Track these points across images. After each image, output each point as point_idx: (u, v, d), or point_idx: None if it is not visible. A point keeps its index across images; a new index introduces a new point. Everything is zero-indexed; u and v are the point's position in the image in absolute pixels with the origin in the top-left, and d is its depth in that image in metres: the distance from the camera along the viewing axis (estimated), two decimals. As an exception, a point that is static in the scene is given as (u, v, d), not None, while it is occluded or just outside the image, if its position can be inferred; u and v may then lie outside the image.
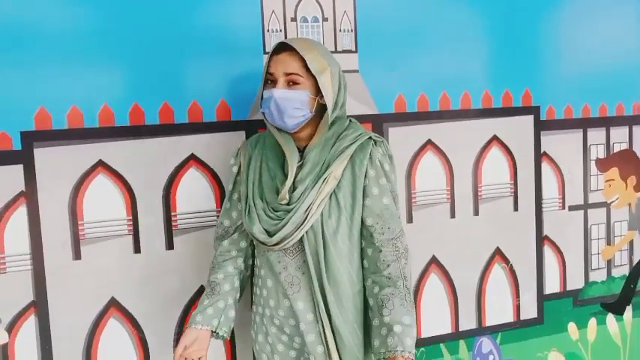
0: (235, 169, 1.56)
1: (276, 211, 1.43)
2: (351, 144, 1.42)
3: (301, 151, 1.46)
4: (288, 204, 1.42)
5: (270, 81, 1.42)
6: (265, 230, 1.43)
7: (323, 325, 1.42)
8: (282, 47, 1.40)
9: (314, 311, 1.44)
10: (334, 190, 1.43)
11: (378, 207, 1.43)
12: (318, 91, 1.40)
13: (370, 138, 1.45)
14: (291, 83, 1.39)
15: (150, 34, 1.62)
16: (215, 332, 1.50)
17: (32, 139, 1.55)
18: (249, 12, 1.71)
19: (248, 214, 1.47)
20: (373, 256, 1.44)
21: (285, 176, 1.44)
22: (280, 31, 1.74)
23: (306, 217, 1.40)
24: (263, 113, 1.44)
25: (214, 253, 1.58)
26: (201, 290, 1.66)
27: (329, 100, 1.40)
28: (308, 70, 1.38)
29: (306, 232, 1.42)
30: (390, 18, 1.86)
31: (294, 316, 1.46)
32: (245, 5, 1.71)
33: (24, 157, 1.55)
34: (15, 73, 1.52)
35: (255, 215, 1.45)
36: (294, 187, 1.42)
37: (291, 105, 1.38)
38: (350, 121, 1.50)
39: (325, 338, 1.43)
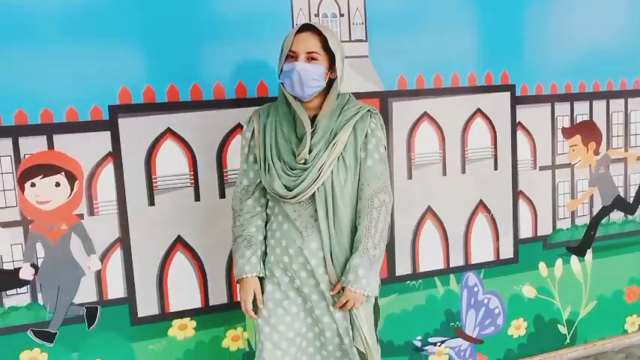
0: (249, 134, 1.76)
1: (293, 170, 1.67)
2: (354, 115, 1.69)
3: (311, 120, 1.69)
4: (304, 163, 1.67)
5: (290, 56, 1.65)
6: (284, 186, 1.67)
7: (332, 253, 1.70)
8: (305, 28, 1.66)
9: (327, 248, 1.70)
10: (341, 153, 1.68)
11: (365, 167, 1.70)
12: (330, 67, 1.67)
13: (369, 111, 1.72)
14: (311, 59, 1.64)
15: (204, 30, 2.05)
16: (259, 276, 1.76)
17: (117, 111, 1.99)
18: (281, 9, 2.14)
19: (268, 172, 1.69)
20: (359, 206, 1.72)
21: (299, 140, 1.67)
22: (306, 24, 2.16)
23: (319, 175, 1.65)
24: (282, 84, 1.67)
25: (238, 210, 1.79)
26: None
27: (340, 73, 1.68)
28: (324, 49, 1.65)
29: (318, 187, 1.67)
30: (394, 12, 2.28)
31: (302, 255, 1.70)
32: (278, 4, 2.13)
33: (111, 125, 1.98)
34: (103, 58, 1.95)
35: (275, 173, 1.67)
36: (310, 150, 1.66)
37: (310, 76, 1.62)
38: (349, 96, 1.76)
39: (325, 262, 1.70)
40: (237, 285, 1.81)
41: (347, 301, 1.70)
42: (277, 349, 1.75)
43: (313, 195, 1.68)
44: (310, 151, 1.66)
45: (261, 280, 1.78)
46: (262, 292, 1.77)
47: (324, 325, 1.76)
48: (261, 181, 1.75)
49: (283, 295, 1.76)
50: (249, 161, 1.78)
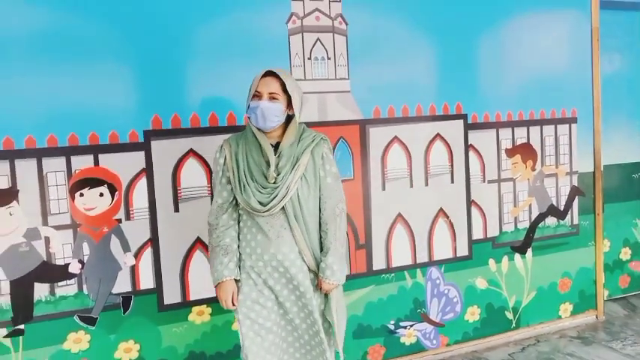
0: (222, 160, 2.03)
1: (265, 188, 1.96)
2: (311, 142, 2.01)
3: (273, 146, 1.99)
4: (274, 183, 1.96)
5: (255, 96, 1.94)
6: (259, 202, 1.95)
7: (302, 253, 2.01)
8: (268, 73, 1.96)
9: (294, 251, 2.00)
10: (303, 174, 1.99)
11: (325, 184, 2.03)
12: (288, 105, 1.97)
13: (322, 138, 2.04)
14: (272, 98, 1.94)
15: (221, 69, 2.53)
16: (236, 278, 2.04)
17: (150, 135, 2.44)
18: (281, 53, 2.64)
19: (244, 191, 1.96)
20: (322, 215, 2.05)
21: (268, 164, 1.96)
22: (301, 66, 2.67)
23: (287, 192, 1.96)
24: (249, 117, 1.97)
25: (214, 224, 2.04)
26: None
27: (297, 111, 1.99)
28: (284, 91, 1.95)
29: (287, 202, 1.97)
30: (370, 56, 2.80)
31: (276, 259, 1.99)
32: (277, 51, 2.62)
33: (145, 146, 2.44)
34: (139, 91, 2.41)
35: (250, 192, 1.96)
36: (277, 172, 1.96)
37: (271, 113, 1.93)
38: (304, 126, 2.07)
39: (303, 261, 2.02)
40: (215, 288, 2.06)
41: (326, 290, 2.06)
42: (257, 337, 2.04)
43: (282, 208, 1.98)
44: (278, 174, 1.97)
45: (236, 281, 2.06)
46: (238, 292, 2.05)
47: (293, 314, 2.06)
48: (233, 199, 2.03)
49: (259, 294, 2.04)
50: (222, 183, 2.04)
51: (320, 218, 2.06)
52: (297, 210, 2.00)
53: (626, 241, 3.83)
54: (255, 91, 1.96)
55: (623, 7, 3.58)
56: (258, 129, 1.98)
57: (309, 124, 2.57)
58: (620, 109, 3.68)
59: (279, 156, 1.99)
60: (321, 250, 2.07)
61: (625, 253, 3.83)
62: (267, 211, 1.97)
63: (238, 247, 2.08)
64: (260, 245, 2.03)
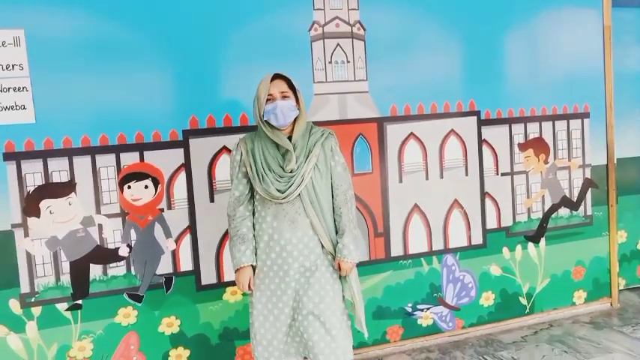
0: (238, 157, 2.23)
1: (282, 177, 2.15)
2: (321, 136, 2.22)
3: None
4: (291, 172, 2.15)
5: (269, 99, 2.14)
6: (277, 190, 2.14)
7: (319, 235, 2.18)
8: (276, 77, 2.17)
9: (308, 234, 2.17)
10: (316, 164, 2.18)
11: (336, 173, 2.23)
12: (296, 101, 2.17)
13: (329, 133, 2.24)
14: (285, 97, 2.15)
15: (252, 75, 2.80)
16: (252, 265, 2.22)
17: (188, 134, 2.74)
18: (304, 58, 2.90)
19: (263, 181, 2.15)
20: (335, 200, 2.23)
21: (283, 157, 2.17)
22: (323, 69, 2.93)
23: (302, 180, 2.15)
24: (266, 121, 2.15)
25: (232, 215, 2.24)
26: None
27: (303, 106, 2.19)
28: (290, 89, 2.16)
29: (303, 189, 2.15)
30: (388, 58, 3.03)
31: (291, 242, 2.16)
32: (301, 55, 2.89)
33: (184, 144, 2.74)
34: (180, 95, 2.72)
35: (269, 181, 2.14)
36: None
37: (288, 109, 2.14)
38: (310, 123, 2.29)
39: (318, 242, 2.19)
40: (235, 273, 2.26)
41: (344, 269, 2.22)
42: (266, 322, 2.22)
43: (298, 195, 2.16)
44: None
45: (253, 267, 2.24)
46: (255, 278, 2.24)
47: (302, 297, 2.18)
48: (249, 192, 2.24)
49: (270, 280, 2.21)
50: (238, 177, 2.24)
51: (333, 204, 2.25)
52: (313, 196, 2.18)
53: (643, 232, 3.94)
54: (268, 94, 2.14)
55: (635, 5, 3.69)
56: (272, 127, 2.17)
57: (331, 123, 2.87)
58: (633, 105, 3.79)
59: (294, 149, 2.18)
60: (336, 232, 2.25)
61: (642, 244, 3.94)
62: (285, 197, 2.14)
63: (254, 236, 2.26)
64: (277, 231, 2.18)
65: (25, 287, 2.56)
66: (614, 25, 3.51)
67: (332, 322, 2.18)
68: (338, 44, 2.95)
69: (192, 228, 2.78)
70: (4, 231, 2.53)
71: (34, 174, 2.55)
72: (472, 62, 3.22)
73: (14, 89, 2.50)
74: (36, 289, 2.57)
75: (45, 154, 2.55)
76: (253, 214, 2.27)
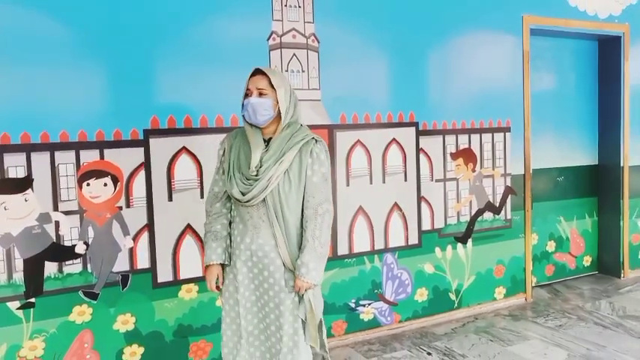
0: (221, 152, 2.18)
1: (248, 179, 2.05)
2: (300, 140, 2.07)
3: (267, 142, 2.08)
4: (256, 175, 2.03)
5: (247, 94, 2.07)
6: (240, 192, 2.05)
7: (278, 246, 2.07)
8: (257, 72, 2.08)
9: (270, 244, 2.07)
10: (287, 170, 2.04)
11: (310, 183, 2.07)
12: (277, 101, 2.05)
13: (313, 138, 2.09)
14: (261, 94, 2.04)
15: (213, 78, 2.91)
16: (222, 263, 2.17)
17: (149, 133, 2.79)
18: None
19: (229, 181, 2.08)
20: (304, 212, 2.09)
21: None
22: (279, 77, 3.08)
23: (267, 184, 2.02)
24: (243, 115, 2.08)
25: (209, 211, 2.20)
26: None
27: (282, 106, 2.05)
28: (272, 87, 2.04)
29: (268, 195, 2.03)
30: (338, 70, 3.25)
31: (250, 248, 2.09)
32: (259, 63, 3.03)
33: (144, 143, 2.79)
34: (140, 95, 2.76)
35: (234, 182, 2.06)
36: (260, 165, 2.03)
37: (261, 107, 2.03)
38: (301, 125, 2.14)
39: (277, 254, 2.08)
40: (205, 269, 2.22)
41: (300, 288, 2.08)
42: (233, 324, 2.20)
43: (263, 200, 2.06)
44: (261, 166, 2.05)
45: (224, 266, 2.21)
46: (224, 277, 2.20)
47: (261, 305, 2.15)
48: None
49: (239, 283, 2.15)
50: (219, 173, 2.19)
51: (302, 216, 2.11)
52: (277, 204, 2.06)
53: (551, 235, 4.45)
54: (246, 89, 2.08)
55: (552, 35, 4.18)
56: (251, 125, 2.10)
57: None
58: (547, 122, 4.29)
59: (266, 150, 2.07)
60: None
61: (550, 246, 4.45)
62: (247, 201, 2.05)
63: (229, 234, 2.21)
64: (240, 234, 2.14)
65: (-26, 285, 2.50)
66: (532, 51, 3.97)
67: (290, 336, 2.11)
68: (294, 54, 3.12)
69: (150, 226, 2.82)
70: (-46, 227, 2.45)
71: (-12, 169, 2.50)
72: (412, 78, 3.51)
73: (-29, 81, 2.44)
74: (-14, 287, 2.51)
75: (1, 149, 2.51)
76: (231, 211, 2.22)
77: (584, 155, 4.61)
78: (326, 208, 2.09)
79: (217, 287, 2.24)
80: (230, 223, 2.22)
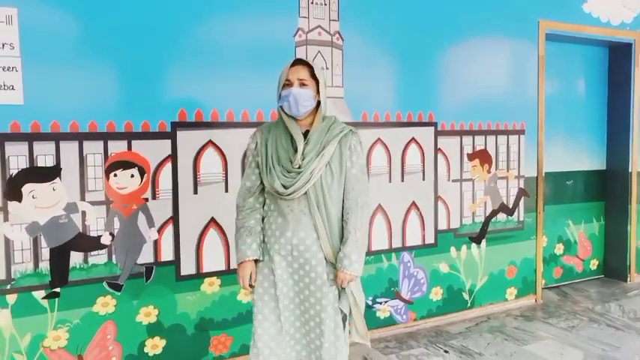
0: (253, 146, 2.14)
1: (290, 173, 2.03)
2: (339, 132, 2.07)
3: (304, 134, 2.06)
4: (298, 168, 2.03)
5: (286, 85, 2.03)
6: (282, 185, 2.03)
7: (320, 239, 2.05)
8: (297, 62, 2.07)
9: (311, 237, 2.05)
10: (328, 162, 2.03)
11: (350, 175, 2.07)
12: (317, 92, 2.04)
13: (350, 130, 2.11)
14: (302, 85, 2.02)
15: (240, 74, 2.92)
16: (257, 259, 2.13)
17: (176, 126, 2.80)
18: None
19: (269, 174, 2.04)
20: (345, 204, 2.09)
21: (295, 150, 2.03)
22: (304, 73, 3.10)
23: (310, 177, 2.01)
24: (281, 107, 2.05)
25: (241, 206, 2.16)
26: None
27: (323, 97, 2.06)
28: (312, 77, 2.03)
29: (310, 187, 2.02)
30: (361, 69, 3.28)
31: (291, 242, 2.06)
32: (285, 60, 3.05)
33: (171, 136, 2.79)
34: (170, 88, 2.77)
35: (275, 175, 2.03)
36: (302, 157, 2.03)
37: (303, 98, 2.01)
38: (335, 118, 2.16)
39: (320, 247, 2.06)
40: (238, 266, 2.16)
41: (342, 280, 2.08)
42: (266, 321, 2.12)
43: (305, 194, 2.05)
44: (303, 159, 2.03)
45: (256, 261, 2.16)
46: (257, 273, 2.15)
47: (301, 299, 2.12)
48: (261, 183, 2.12)
49: (278, 278, 2.10)
50: (252, 167, 2.14)
51: (342, 208, 2.10)
52: (320, 197, 2.05)
53: (559, 238, 4.49)
54: (286, 79, 2.04)
55: (564, 40, 4.24)
56: (289, 116, 2.07)
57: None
58: (557, 126, 4.34)
59: (307, 143, 2.06)
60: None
61: (559, 249, 4.49)
62: (289, 194, 2.03)
63: (262, 229, 2.17)
64: (279, 228, 2.09)
65: (0, 274, 2.47)
66: (547, 56, 4.02)
67: (332, 330, 2.10)
68: (319, 51, 3.14)
69: (174, 219, 2.82)
70: (-18, 214, 2.44)
71: (18, 157, 2.48)
72: (433, 80, 3.55)
73: (3, 69, 2.43)
74: (12, 276, 2.49)
75: (31, 137, 2.50)
76: (264, 206, 2.19)
77: (592, 160, 4.66)
78: (365, 200, 2.10)
79: (250, 284, 2.17)
80: (263, 219, 2.19)
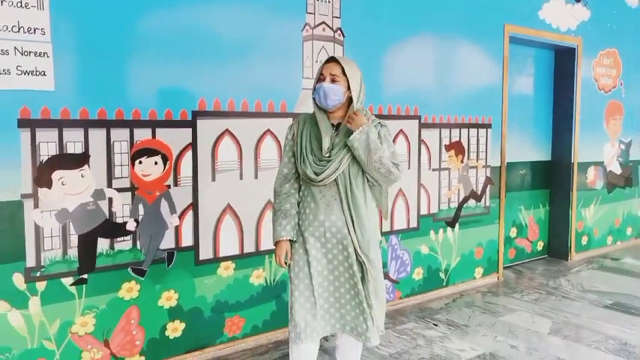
0: (290, 136, 2.32)
1: (321, 161, 2.21)
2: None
3: (335, 126, 2.26)
4: (329, 156, 2.23)
5: (320, 79, 2.20)
6: (314, 172, 2.22)
7: (347, 224, 2.22)
8: (331, 59, 2.23)
9: (342, 219, 2.22)
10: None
11: None
12: (348, 88, 2.19)
13: (379, 122, 2.27)
14: (333, 80, 2.18)
15: (255, 65, 3.04)
16: (291, 240, 2.29)
17: (196, 114, 2.88)
18: (295, 57, 3.22)
19: (303, 162, 2.23)
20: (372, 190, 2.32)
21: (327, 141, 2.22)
22: (310, 66, 3.26)
23: (339, 165, 2.19)
24: (314, 98, 2.21)
25: (278, 191, 2.32)
26: (268, 204, 3.09)
27: (354, 93, 2.20)
28: (344, 74, 2.18)
29: (339, 175, 2.21)
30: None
31: (324, 225, 2.22)
32: (293, 53, 3.20)
33: (192, 124, 2.87)
34: (191, 78, 2.84)
35: (308, 163, 2.21)
36: (332, 147, 2.22)
37: (332, 92, 2.16)
38: (366, 111, 2.30)
39: (348, 231, 2.22)
40: (274, 246, 2.33)
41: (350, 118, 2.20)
42: (301, 297, 2.28)
43: (334, 180, 2.23)
44: (332, 149, 2.22)
45: (292, 242, 2.32)
46: (293, 253, 2.31)
47: (339, 273, 2.28)
48: (296, 171, 2.29)
49: (312, 257, 2.26)
50: (288, 155, 2.31)
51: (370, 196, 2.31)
52: (347, 184, 2.22)
53: (514, 222, 4.98)
54: (320, 74, 2.21)
55: (519, 43, 4.69)
56: (321, 109, 2.24)
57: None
58: (513, 121, 4.79)
59: (337, 134, 2.25)
60: (369, 229, 2.27)
61: (513, 232, 4.97)
62: (320, 181, 2.20)
63: (297, 213, 2.32)
64: (312, 212, 2.26)
65: (30, 261, 2.46)
66: (510, 58, 4.44)
67: (363, 306, 2.27)
68: (323, 46, 3.32)
69: (194, 205, 2.90)
70: (13, 201, 2.41)
71: (48, 143, 2.47)
72: (417, 77, 3.84)
73: (35, 54, 2.40)
74: (42, 263, 2.49)
75: (61, 124, 2.49)
76: (299, 191, 2.34)
77: (539, 151, 5.19)
78: (396, 170, 2.25)
79: (285, 263, 2.32)
80: (299, 204, 2.33)
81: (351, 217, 2.23)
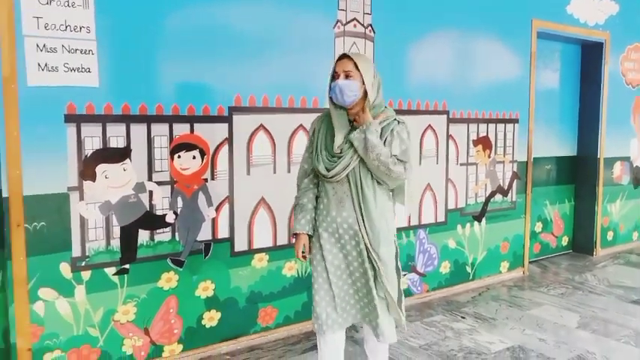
0: (311, 133, 2.35)
1: (333, 157, 2.22)
2: (383, 121, 2.21)
3: (352, 122, 2.25)
4: (340, 153, 2.20)
5: (334, 77, 2.19)
6: (325, 168, 2.22)
7: (358, 221, 2.22)
8: (343, 56, 2.21)
9: (353, 216, 2.22)
10: None
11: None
12: (362, 83, 2.16)
13: (395, 119, 2.23)
14: (348, 76, 2.15)
15: (291, 63, 3.10)
16: (308, 233, 2.32)
17: (232, 110, 2.95)
18: (327, 53, 3.27)
19: (317, 158, 2.25)
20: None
21: (342, 137, 2.22)
22: (342, 62, 3.31)
23: (349, 162, 2.18)
24: (330, 97, 2.20)
25: (299, 185, 2.38)
26: (303, 194, 3.15)
27: (369, 88, 2.16)
28: (357, 69, 2.15)
29: (350, 172, 2.20)
30: (389, 60, 3.53)
31: (336, 221, 2.25)
32: (325, 49, 3.26)
33: (228, 120, 2.94)
34: (227, 75, 2.91)
35: (321, 159, 2.23)
36: (345, 144, 2.19)
37: (347, 88, 2.13)
38: (385, 107, 2.28)
39: (359, 227, 2.22)
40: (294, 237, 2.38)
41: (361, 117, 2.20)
42: (321, 289, 2.30)
43: (347, 177, 2.23)
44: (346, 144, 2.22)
45: (310, 236, 2.35)
46: (311, 246, 2.35)
47: (354, 267, 2.29)
48: None
49: (326, 252, 2.29)
50: (308, 152, 2.35)
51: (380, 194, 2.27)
52: (358, 181, 2.22)
53: (539, 217, 4.99)
54: (334, 72, 2.20)
55: (546, 38, 4.68)
56: (336, 106, 2.22)
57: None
58: (540, 116, 4.79)
59: (351, 131, 2.22)
60: (379, 226, 2.24)
61: (538, 227, 4.98)
62: (331, 177, 2.21)
63: (314, 207, 2.35)
64: (326, 208, 2.30)
65: (76, 251, 2.56)
66: (538, 53, 4.44)
67: (380, 299, 2.28)
68: (354, 42, 3.36)
69: (230, 198, 2.98)
70: (60, 194, 2.50)
71: (92, 138, 2.56)
72: (446, 73, 3.87)
73: (81, 51, 2.49)
74: (87, 253, 2.58)
75: (105, 119, 2.58)
76: (318, 186, 2.36)
77: (565, 147, 5.18)
78: (399, 169, 2.19)
79: (303, 256, 2.34)
80: (317, 198, 2.36)
81: (362, 215, 2.23)
